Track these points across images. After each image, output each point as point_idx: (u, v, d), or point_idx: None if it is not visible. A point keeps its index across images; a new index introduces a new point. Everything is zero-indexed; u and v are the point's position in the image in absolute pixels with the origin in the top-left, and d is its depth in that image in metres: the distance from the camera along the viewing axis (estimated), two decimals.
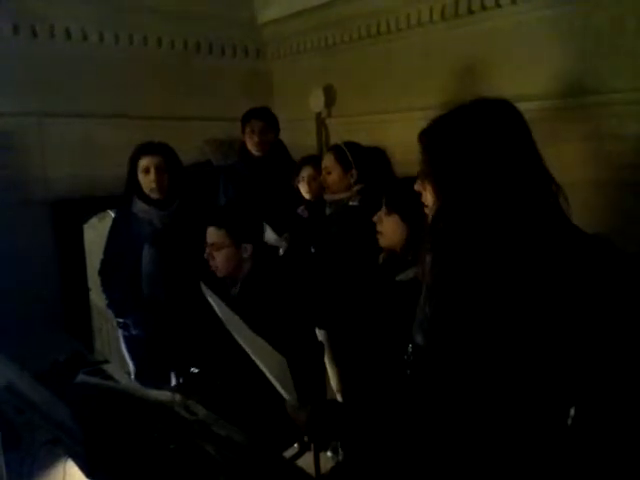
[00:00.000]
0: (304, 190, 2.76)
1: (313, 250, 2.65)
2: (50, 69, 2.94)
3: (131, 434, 1.34)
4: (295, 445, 2.22)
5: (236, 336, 1.47)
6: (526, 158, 1.10)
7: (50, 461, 1.40)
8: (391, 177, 2.75)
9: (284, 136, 3.04)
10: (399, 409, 1.19)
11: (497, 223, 1.07)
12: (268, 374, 1.45)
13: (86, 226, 3.23)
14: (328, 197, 2.59)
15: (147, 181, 2.36)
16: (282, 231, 2.65)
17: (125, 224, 2.45)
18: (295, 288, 2.20)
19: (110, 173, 2.61)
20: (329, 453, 2.63)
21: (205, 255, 2.05)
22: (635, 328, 1.02)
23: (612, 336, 1.02)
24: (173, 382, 2.47)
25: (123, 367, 2.58)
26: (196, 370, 2.17)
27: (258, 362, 1.46)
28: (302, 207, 2.77)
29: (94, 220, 3.27)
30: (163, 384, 1.94)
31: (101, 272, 2.55)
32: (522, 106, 1.16)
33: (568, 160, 1.98)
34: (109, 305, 2.52)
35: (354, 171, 2.51)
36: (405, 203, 1.77)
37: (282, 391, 1.43)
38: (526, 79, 2.30)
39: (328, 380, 2.68)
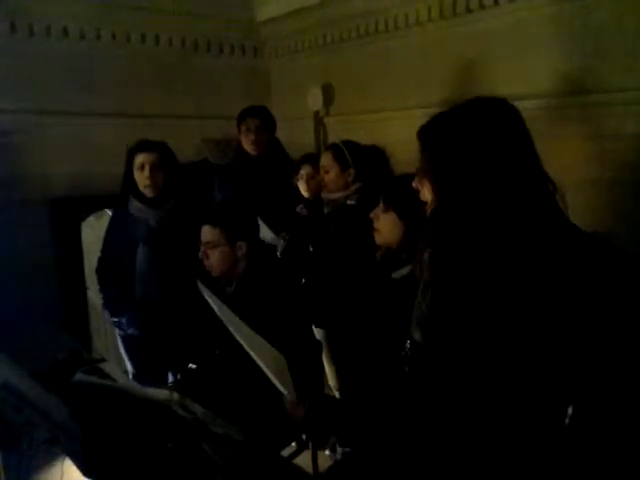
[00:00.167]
0: (303, 188, 2.76)
1: (311, 249, 2.64)
2: (47, 68, 2.94)
3: (129, 433, 1.34)
4: (293, 444, 2.22)
5: (234, 333, 1.47)
6: (523, 157, 1.10)
7: (48, 460, 1.40)
8: (389, 176, 2.75)
9: (282, 135, 3.03)
10: (397, 405, 1.20)
11: (494, 220, 1.07)
12: (266, 370, 1.46)
13: (84, 225, 3.22)
14: (325, 196, 2.58)
15: (142, 178, 2.35)
16: (279, 230, 2.65)
17: (121, 223, 2.45)
18: (292, 287, 2.20)
19: (108, 171, 2.61)
20: (327, 452, 2.63)
21: (200, 254, 2.04)
22: (633, 327, 1.03)
23: (610, 335, 1.02)
24: (170, 380, 2.47)
25: (121, 366, 2.57)
26: (194, 366, 2.16)
27: (256, 359, 1.46)
28: (301, 205, 2.77)
29: (92, 219, 3.26)
30: (161, 383, 1.93)
31: (98, 270, 2.54)
32: (521, 105, 1.16)
33: (568, 159, 1.98)
34: (105, 304, 2.52)
35: (352, 170, 2.51)
36: (402, 200, 1.77)
37: (280, 387, 1.43)
38: (525, 78, 2.30)
39: (326, 379, 2.68)
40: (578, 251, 1.06)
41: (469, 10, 2.51)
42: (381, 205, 1.84)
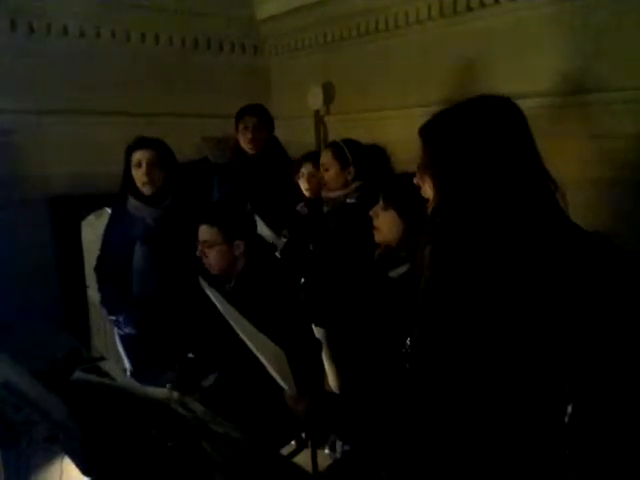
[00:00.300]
0: (304, 187, 2.76)
1: (311, 247, 2.64)
2: (47, 66, 2.94)
3: (128, 431, 1.34)
4: (292, 442, 2.22)
5: (235, 328, 1.47)
6: (525, 155, 1.10)
7: (47, 459, 1.40)
8: (389, 174, 2.75)
9: (282, 133, 3.03)
10: (398, 401, 1.20)
11: (494, 217, 1.07)
12: (267, 366, 1.46)
13: (84, 223, 3.22)
14: (325, 195, 2.58)
15: (139, 175, 2.35)
16: (279, 228, 2.65)
17: (119, 221, 2.45)
18: (290, 285, 2.20)
19: (108, 170, 2.61)
20: (326, 450, 2.64)
21: (198, 253, 2.04)
22: (633, 325, 1.02)
23: (609, 333, 1.02)
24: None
25: (120, 364, 2.57)
26: (192, 355, 2.17)
27: (257, 354, 1.46)
28: (301, 204, 2.76)
29: (92, 217, 3.26)
30: (159, 380, 1.93)
31: (96, 269, 2.54)
32: (521, 104, 1.16)
33: (567, 158, 1.98)
34: (102, 302, 2.52)
35: (352, 168, 2.50)
36: (402, 198, 1.77)
37: (281, 382, 1.43)
38: (525, 77, 2.30)
39: (326, 379, 2.68)
40: (578, 249, 1.05)
41: (469, 9, 2.51)
42: (381, 203, 1.84)
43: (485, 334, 1.04)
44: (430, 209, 1.19)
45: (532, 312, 1.02)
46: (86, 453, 1.30)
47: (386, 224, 1.82)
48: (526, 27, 2.34)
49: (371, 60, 3.05)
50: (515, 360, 1.03)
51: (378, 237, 1.87)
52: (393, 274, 1.77)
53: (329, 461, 2.45)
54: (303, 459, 2.13)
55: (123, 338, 2.54)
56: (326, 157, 2.55)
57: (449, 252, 1.10)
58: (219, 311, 1.59)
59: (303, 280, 2.60)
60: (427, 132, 1.17)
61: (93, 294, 3.06)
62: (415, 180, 1.25)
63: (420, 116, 1.21)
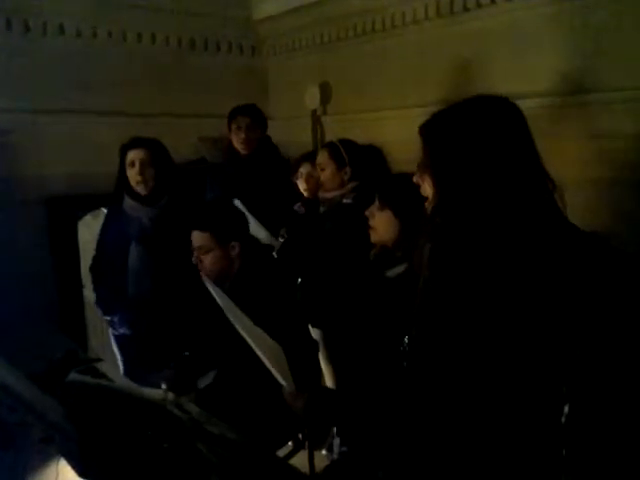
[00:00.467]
0: (302, 187, 2.76)
1: (308, 247, 2.64)
2: (43, 66, 2.93)
3: (124, 433, 1.33)
4: (289, 443, 2.22)
5: (235, 324, 1.47)
6: (524, 154, 1.11)
7: (43, 460, 1.39)
8: (386, 174, 2.75)
9: (279, 133, 3.03)
10: (395, 399, 1.20)
11: (493, 217, 1.08)
12: (266, 361, 1.46)
13: (80, 223, 3.21)
14: (321, 195, 2.58)
15: (133, 175, 2.35)
16: (274, 228, 2.64)
17: (115, 221, 2.44)
18: (287, 285, 2.19)
19: (105, 170, 2.60)
20: (323, 451, 2.63)
21: (193, 260, 2.02)
22: (630, 326, 1.02)
23: (606, 333, 1.02)
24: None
25: (116, 365, 2.57)
26: (188, 353, 2.16)
27: (256, 350, 1.47)
28: (299, 204, 2.76)
29: (88, 217, 3.25)
30: (152, 381, 1.92)
31: (92, 268, 2.54)
32: (519, 104, 1.16)
33: (567, 159, 1.98)
34: (97, 302, 2.51)
35: (348, 168, 2.50)
36: (399, 198, 1.77)
37: (279, 379, 1.44)
38: (522, 77, 2.30)
39: (323, 379, 2.68)
40: (575, 250, 1.06)
41: (466, 9, 2.51)
42: (377, 203, 1.84)
43: (482, 334, 1.04)
44: (429, 208, 1.19)
45: (529, 312, 1.02)
46: (82, 455, 1.29)
47: (382, 224, 1.82)
48: (523, 27, 2.34)
49: (368, 60, 3.05)
50: (512, 360, 1.03)
51: (374, 237, 1.87)
52: (390, 274, 1.76)
53: (326, 462, 2.45)
54: (300, 460, 2.13)
55: (118, 338, 2.53)
56: (322, 157, 2.55)
57: (448, 251, 1.10)
58: (217, 309, 1.59)
59: (300, 280, 2.60)
60: (427, 131, 1.18)
61: (89, 294, 3.05)
62: (414, 179, 1.25)
63: (417, 116, 1.21)
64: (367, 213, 1.87)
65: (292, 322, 1.98)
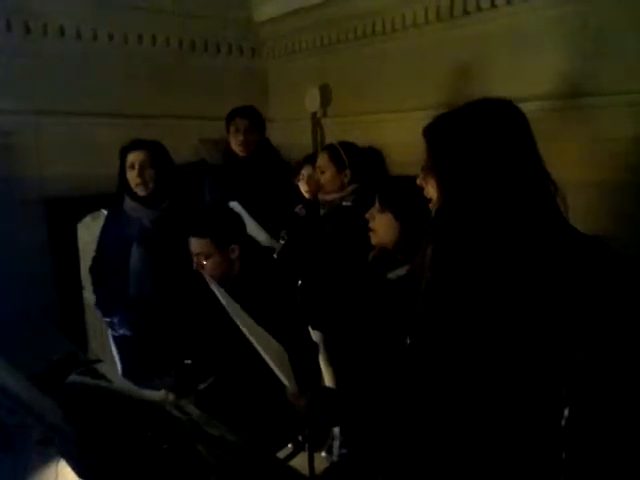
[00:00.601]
0: (303, 189, 2.76)
1: (308, 250, 2.64)
2: (44, 67, 2.93)
3: (124, 434, 1.34)
4: (289, 445, 2.22)
5: (239, 325, 1.47)
6: (527, 158, 1.11)
7: (42, 462, 1.39)
8: (385, 177, 2.75)
9: (279, 135, 3.03)
10: (397, 400, 1.20)
11: (496, 220, 1.08)
12: (270, 362, 1.46)
13: (80, 225, 3.21)
14: (321, 197, 2.58)
15: (132, 177, 2.35)
16: (273, 230, 2.64)
17: (116, 222, 2.44)
18: (288, 287, 2.19)
19: (105, 172, 2.60)
20: (323, 453, 2.63)
21: (194, 266, 2.01)
22: (630, 329, 1.03)
23: (607, 337, 1.02)
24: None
25: (115, 367, 2.57)
26: (189, 361, 2.16)
27: (260, 351, 1.47)
28: (300, 206, 2.76)
29: (88, 219, 3.26)
30: (150, 383, 1.92)
31: (91, 269, 2.53)
32: (519, 107, 1.16)
33: (567, 162, 1.98)
34: (97, 303, 2.51)
35: (348, 171, 2.51)
36: (399, 201, 1.77)
37: (283, 379, 1.44)
38: (522, 80, 2.30)
39: (323, 381, 2.68)
40: (576, 253, 1.06)
41: (466, 12, 2.51)
42: (377, 205, 1.84)
43: (483, 336, 1.04)
44: (433, 210, 1.19)
45: (530, 315, 1.02)
46: (82, 456, 1.30)
47: (382, 226, 1.82)
48: (523, 30, 2.34)
49: (368, 63, 3.05)
50: (513, 363, 1.03)
51: (374, 239, 1.87)
52: (391, 276, 1.76)
53: (326, 464, 2.45)
54: (300, 462, 2.13)
55: (117, 339, 2.53)
56: (322, 160, 2.55)
57: (450, 254, 1.10)
58: (218, 312, 1.59)
59: (300, 282, 2.60)
60: (431, 133, 1.18)
61: (89, 296, 3.05)
62: (418, 181, 1.26)
63: (417, 119, 1.21)
64: (367, 215, 1.87)
65: (292, 324, 1.98)
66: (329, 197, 2.54)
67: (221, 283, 2.03)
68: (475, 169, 1.09)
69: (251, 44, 3.62)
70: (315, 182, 2.68)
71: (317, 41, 3.28)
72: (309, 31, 3.29)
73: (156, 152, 2.38)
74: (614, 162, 2.09)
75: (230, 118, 2.78)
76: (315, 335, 2.50)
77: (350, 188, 2.50)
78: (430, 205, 1.22)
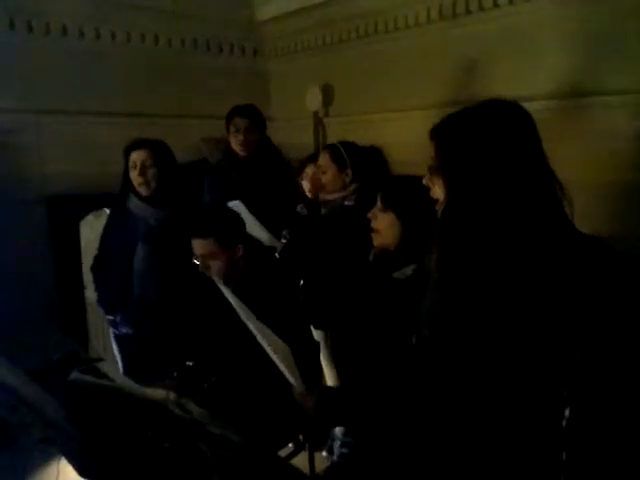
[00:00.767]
0: (306, 188, 2.76)
1: (310, 249, 2.64)
2: (47, 66, 2.94)
3: (125, 433, 1.34)
4: (290, 444, 2.22)
5: (247, 324, 1.47)
6: (534, 160, 1.12)
7: (44, 460, 1.39)
8: (387, 176, 2.75)
9: (281, 135, 3.03)
10: (403, 396, 1.20)
11: (502, 221, 1.08)
12: (277, 361, 1.46)
13: (82, 223, 3.21)
14: (323, 197, 2.58)
15: (135, 176, 2.34)
16: (275, 229, 2.63)
17: (119, 220, 2.43)
18: (290, 286, 2.19)
19: (107, 170, 2.61)
20: (324, 453, 2.63)
21: (200, 268, 2.01)
22: (632, 330, 1.03)
23: (608, 337, 1.02)
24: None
25: (117, 366, 2.57)
26: (191, 363, 2.16)
27: (267, 349, 1.47)
28: (301, 205, 2.76)
29: (90, 217, 3.25)
30: (151, 382, 1.92)
31: (93, 268, 2.53)
32: None
33: (568, 161, 1.97)
34: (99, 302, 2.51)
35: (349, 170, 2.50)
36: (401, 200, 1.77)
37: (290, 378, 1.44)
38: (524, 80, 2.30)
39: (324, 381, 2.68)
40: (579, 255, 1.06)
41: (469, 12, 2.52)
42: (379, 205, 1.84)
43: (486, 337, 1.04)
44: (440, 210, 1.19)
45: (532, 315, 1.02)
46: (83, 454, 1.30)
47: (385, 226, 1.82)
48: (525, 30, 2.34)
49: (370, 62, 3.05)
50: (515, 363, 1.03)
51: (377, 239, 1.87)
52: (399, 275, 1.76)
53: (326, 463, 2.45)
54: (300, 461, 2.13)
55: (118, 338, 2.53)
56: (324, 159, 2.55)
57: (457, 254, 1.10)
58: (222, 312, 1.58)
59: (302, 282, 2.60)
60: (438, 134, 1.18)
61: (90, 295, 3.05)
62: (424, 181, 1.26)
63: (418, 119, 1.22)
64: (369, 215, 1.86)
65: (295, 323, 1.98)
66: (331, 197, 2.54)
67: (225, 282, 2.03)
68: (483, 171, 1.09)
69: (253, 44, 3.62)
70: (318, 181, 2.68)
71: (319, 40, 3.29)
72: (311, 31, 3.29)
73: (159, 151, 2.37)
74: (615, 161, 2.09)
75: (230, 117, 2.75)
76: (317, 334, 2.50)
77: (352, 188, 2.50)
78: (436, 206, 1.22)
